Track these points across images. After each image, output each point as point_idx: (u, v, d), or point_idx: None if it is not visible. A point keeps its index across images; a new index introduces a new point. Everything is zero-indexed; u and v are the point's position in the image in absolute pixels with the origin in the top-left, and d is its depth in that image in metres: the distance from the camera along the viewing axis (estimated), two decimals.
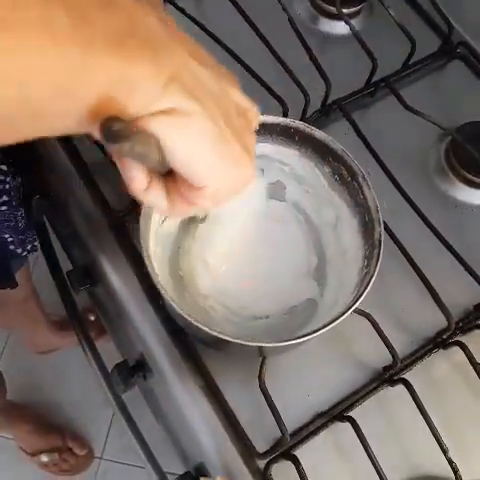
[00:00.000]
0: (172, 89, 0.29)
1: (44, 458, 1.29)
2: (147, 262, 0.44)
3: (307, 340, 0.44)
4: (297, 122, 0.51)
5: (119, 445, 1.41)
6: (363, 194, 0.50)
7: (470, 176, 0.64)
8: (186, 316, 0.43)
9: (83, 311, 1.12)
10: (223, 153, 0.33)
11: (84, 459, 1.36)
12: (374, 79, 0.68)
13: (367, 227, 0.50)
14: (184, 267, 0.55)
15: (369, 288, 0.46)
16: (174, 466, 0.63)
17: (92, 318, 1.33)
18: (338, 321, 0.45)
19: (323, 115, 0.67)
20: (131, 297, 0.55)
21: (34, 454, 1.29)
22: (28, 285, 1.11)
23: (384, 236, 0.57)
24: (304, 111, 0.65)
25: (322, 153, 0.52)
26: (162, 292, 0.43)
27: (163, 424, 0.64)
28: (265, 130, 0.52)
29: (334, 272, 0.55)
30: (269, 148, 0.54)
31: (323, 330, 0.44)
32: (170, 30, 0.31)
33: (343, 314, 0.45)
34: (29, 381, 1.40)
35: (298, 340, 0.44)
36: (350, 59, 0.70)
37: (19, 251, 0.75)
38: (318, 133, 0.51)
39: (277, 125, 0.52)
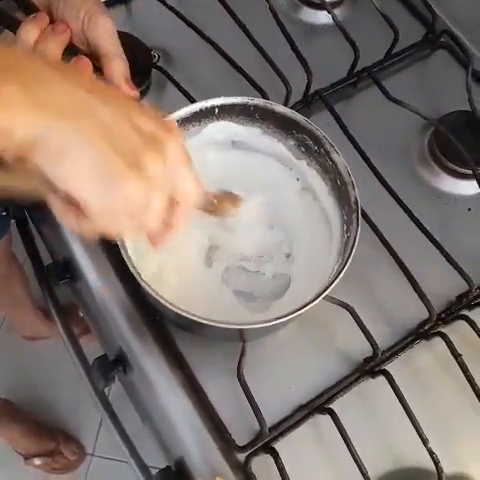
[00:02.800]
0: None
1: (37, 462, 1.30)
2: (122, 251, 0.44)
3: (287, 320, 0.43)
4: (256, 99, 0.51)
5: (110, 441, 1.40)
6: (332, 160, 0.51)
7: (453, 166, 0.63)
8: (160, 299, 0.43)
9: (72, 306, 1.11)
10: (97, 169, 0.33)
11: (75, 459, 1.36)
12: (356, 69, 0.67)
13: (341, 191, 0.50)
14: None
15: (353, 253, 0.46)
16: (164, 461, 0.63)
17: (81, 314, 1.32)
18: (331, 288, 0.45)
19: (305, 106, 0.66)
20: (109, 290, 0.54)
21: (27, 458, 1.30)
22: (7, 259, 1.09)
23: (366, 226, 0.57)
24: (286, 101, 0.64)
25: (285, 127, 0.53)
26: (136, 276, 0.43)
27: (145, 419, 0.63)
28: (224, 111, 0.52)
29: (308, 243, 0.55)
30: (229, 128, 0.53)
31: (311, 305, 0.44)
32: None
33: (334, 281, 0.45)
34: (21, 378, 1.39)
35: (276, 321, 0.44)
36: (333, 49, 0.69)
37: None
38: (278, 107, 0.51)
39: (236, 105, 0.52)
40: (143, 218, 0.36)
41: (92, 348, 0.67)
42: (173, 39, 0.69)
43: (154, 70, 0.66)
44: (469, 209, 0.63)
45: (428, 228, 0.58)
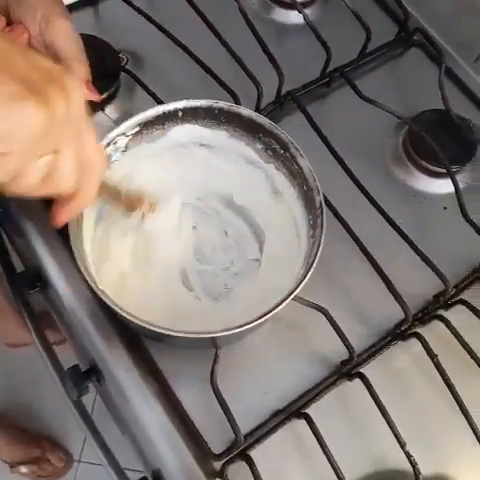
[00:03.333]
0: None
1: (23, 469, 1.29)
2: (81, 268, 0.43)
3: (255, 325, 0.43)
4: (220, 102, 0.51)
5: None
6: (297, 164, 0.50)
7: (428, 165, 0.63)
8: (125, 314, 0.42)
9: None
10: None
11: (62, 467, 1.35)
12: (329, 69, 0.67)
13: (307, 196, 0.50)
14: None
15: (318, 257, 0.45)
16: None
17: None
18: (296, 292, 0.44)
19: (277, 107, 0.66)
20: (78, 300, 0.53)
21: (13, 465, 1.28)
22: None
23: (341, 228, 0.56)
24: (258, 103, 0.63)
25: (252, 130, 0.52)
26: (100, 294, 0.42)
27: (123, 429, 0.62)
28: (189, 115, 0.51)
29: (280, 247, 0.54)
30: (194, 132, 0.53)
31: (279, 308, 0.43)
32: None
33: (299, 284, 0.44)
34: (4, 385, 1.38)
35: (243, 328, 0.43)
36: (305, 49, 0.69)
37: None
38: (243, 110, 0.51)
39: (200, 108, 0.51)
40: (53, 163, 0.33)
41: (71, 356, 0.66)
42: (142, 41, 0.68)
43: (123, 73, 0.65)
44: (445, 208, 0.63)
45: (403, 228, 0.57)
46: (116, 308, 0.42)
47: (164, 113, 0.50)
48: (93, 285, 0.43)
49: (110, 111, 0.64)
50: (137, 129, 0.50)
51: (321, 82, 0.67)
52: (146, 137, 0.52)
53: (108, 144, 0.49)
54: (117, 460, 0.59)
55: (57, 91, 0.31)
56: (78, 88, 0.33)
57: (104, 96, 0.63)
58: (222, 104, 0.51)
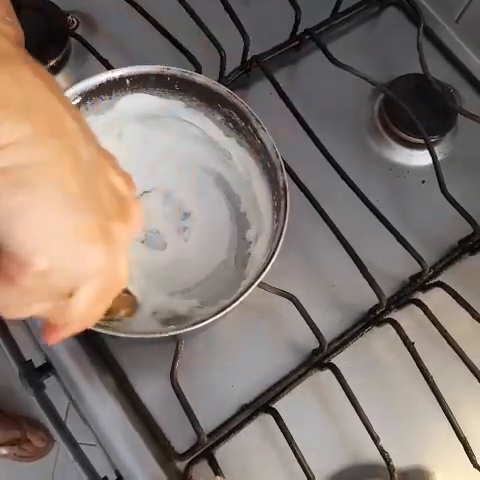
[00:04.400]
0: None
1: (3, 451, 1.28)
2: None
3: (214, 319, 0.39)
4: (172, 68, 0.45)
5: (77, 427, 1.37)
6: (259, 138, 0.45)
7: (405, 135, 0.59)
8: None
9: None
10: (67, 222, 0.25)
11: (44, 446, 1.34)
12: (298, 31, 0.61)
13: (270, 175, 0.45)
14: None
15: (280, 245, 0.41)
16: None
17: None
18: (259, 280, 0.40)
19: (243, 73, 0.60)
20: None
21: None
22: None
23: (309, 206, 0.52)
24: (221, 70, 0.58)
25: (209, 100, 0.47)
26: None
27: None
28: (138, 83, 0.46)
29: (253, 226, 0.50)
30: (146, 101, 0.47)
31: (237, 302, 0.39)
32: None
33: (262, 272, 0.40)
34: None
35: (205, 322, 0.39)
36: (272, 9, 0.63)
37: None
38: (198, 77, 0.46)
39: (149, 75, 0.45)
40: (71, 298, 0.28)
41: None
42: (94, 2, 0.62)
43: (72, 38, 0.59)
44: (423, 181, 0.59)
45: (378, 204, 0.53)
46: None
47: (108, 81, 0.45)
48: None
49: (59, 81, 0.59)
50: (78, 100, 0.45)
51: (290, 46, 0.62)
52: (92, 109, 0.46)
53: None
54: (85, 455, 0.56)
55: (125, 230, 0.28)
56: (140, 220, 0.30)
57: (52, 63, 0.57)
58: (174, 70, 0.45)
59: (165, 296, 0.48)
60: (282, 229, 0.41)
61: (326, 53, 0.59)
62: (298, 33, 0.61)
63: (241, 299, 0.40)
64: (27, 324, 0.50)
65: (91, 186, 0.26)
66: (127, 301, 0.42)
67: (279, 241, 0.41)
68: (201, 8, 0.57)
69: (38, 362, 0.51)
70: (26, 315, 0.27)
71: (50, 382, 0.52)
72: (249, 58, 0.59)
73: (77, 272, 0.26)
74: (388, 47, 0.65)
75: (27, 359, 0.52)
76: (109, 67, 0.55)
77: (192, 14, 0.57)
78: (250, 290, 0.40)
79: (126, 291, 0.43)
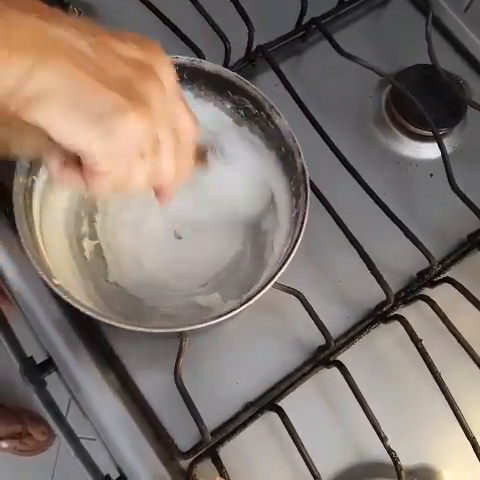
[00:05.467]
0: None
1: (4, 445, 1.28)
2: (27, 250, 0.37)
3: (228, 317, 0.39)
4: (181, 57, 0.44)
5: (79, 421, 1.37)
6: (274, 124, 0.45)
7: (413, 128, 0.57)
8: (79, 307, 0.37)
9: None
10: (90, 108, 0.28)
11: (45, 440, 1.33)
12: (304, 21, 0.60)
13: (287, 161, 0.45)
14: (90, 248, 0.48)
15: (303, 232, 0.41)
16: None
17: None
18: (276, 278, 0.40)
19: (248, 64, 0.59)
20: (28, 288, 0.48)
21: None
22: None
23: (315, 199, 0.51)
24: (226, 61, 0.57)
25: (219, 88, 0.46)
26: (50, 285, 0.37)
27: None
28: None
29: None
30: None
31: (256, 298, 0.39)
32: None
33: (280, 269, 0.40)
34: None
35: (215, 320, 0.39)
36: None
37: None
38: (207, 65, 0.45)
39: None
40: (155, 157, 0.32)
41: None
42: None
43: None
44: (431, 175, 0.58)
45: (386, 198, 0.52)
46: (72, 302, 0.37)
47: None
48: (47, 280, 0.38)
49: None
50: None
51: (296, 36, 0.61)
52: None
53: None
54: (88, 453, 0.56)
55: (152, 85, 0.30)
56: (170, 68, 0.32)
57: None
58: (183, 59, 0.44)
59: (185, 292, 0.47)
60: (304, 215, 0.41)
61: (333, 43, 0.58)
62: (304, 23, 0.60)
63: (257, 296, 0.39)
64: (29, 321, 0.49)
65: (103, 67, 0.29)
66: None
67: (301, 229, 0.40)
68: None
69: (39, 358, 0.51)
70: (136, 186, 0.32)
71: (51, 379, 0.51)
72: (254, 48, 0.58)
73: (124, 137, 0.29)
74: (395, 37, 0.64)
75: (28, 355, 0.51)
76: None
77: (195, 3, 0.56)
78: (267, 287, 0.40)
79: None
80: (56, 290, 0.37)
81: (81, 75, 0.28)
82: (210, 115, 0.48)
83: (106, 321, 0.38)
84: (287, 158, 0.45)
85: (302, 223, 0.41)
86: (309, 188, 0.43)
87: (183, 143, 0.34)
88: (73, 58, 0.28)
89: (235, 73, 0.45)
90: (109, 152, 0.29)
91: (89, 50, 0.29)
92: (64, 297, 0.38)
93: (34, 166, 0.41)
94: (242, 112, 0.47)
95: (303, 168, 0.43)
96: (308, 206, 0.42)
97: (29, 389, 0.52)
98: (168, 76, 0.32)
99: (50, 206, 0.44)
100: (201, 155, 0.46)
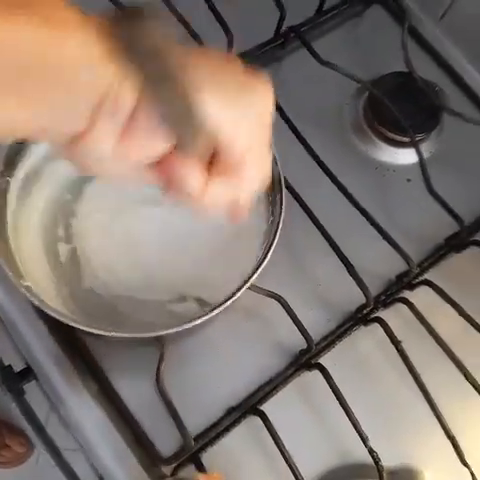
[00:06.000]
0: None
1: None
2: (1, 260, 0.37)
3: (203, 321, 0.39)
4: None
5: (59, 433, 1.35)
6: None
7: (390, 134, 0.58)
8: (54, 314, 0.37)
9: None
10: (222, 88, 0.27)
11: (23, 452, 1.31)
12: (283, 29, 0.61)
13: None
14: (65, 252, 0.48)
15: (276, 240, 0.41)
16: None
17: None
18: (250, 281, 0.40)
19: None
20: (6, 295, 0.47)
21: None
22: None
23: (294, 203, 0.52)
24: None
25: None
26: (18, 286, 0.37)
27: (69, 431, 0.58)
28: None
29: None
30: None
31: (232, 300, 0.39)
32: None
33: (255, 272, 0.40)
34: None
35: (190, 324, 0.39)
36: (257, 7, 0.62)
37: None
38: None
39: None
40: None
41: None
42: None
43: None
44: (408, 180, 0.59)
45: (364, 202, 0.53)
46: (40, 304, 0.37)
47: None
48: (15, 282, 0.38)
49: None
50: None
51: (275, 43, 0.61)
52: None
53: None
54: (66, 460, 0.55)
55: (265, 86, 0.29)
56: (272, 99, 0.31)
57: None
58: None
59: (159, 299, 0.47)
60: (278, 224, 0.41)
61: (311, 51, 0.59)
62: (282, 31, 0.61)
63: (231, 300, 0.40)
64: (6, 328, 0.49)
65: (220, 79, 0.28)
66: None
67: (275, 237, 0.40)
68: (184, 4, 0.56)
69: (18, 367, 0.50)
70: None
71: (30, 387, 0.51)
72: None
73: (263, 114, 0.29)
74: (373, 45, 0.65)
75: (6, 364, 0.50)
76: None
77: (174, 11, 0.56)
78: (239, 293, 0.40)
79: None
80: (23, 291, 0.37)
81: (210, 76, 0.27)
82: None
83: (75, 325, 0.37)
84: None
85: (276, 232, 0.42)
86: (285, 197, 0.43)
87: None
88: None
89: None
90: (243, 134, 0.28)
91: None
92: (32, 299, 0.37)
93: (8, 167, 0.41)
94: None
95: (280, 177, 0.43)
96: (282, 215, 0.42)
97: (7, 398, 0.51)
98: (270, 101, 0.31)
99: (26, 208, 0.44)
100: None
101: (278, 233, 0.42)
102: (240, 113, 0.28)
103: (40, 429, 0.53)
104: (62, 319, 0.37)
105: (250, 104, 0.28)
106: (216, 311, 0.39)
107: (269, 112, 0.30)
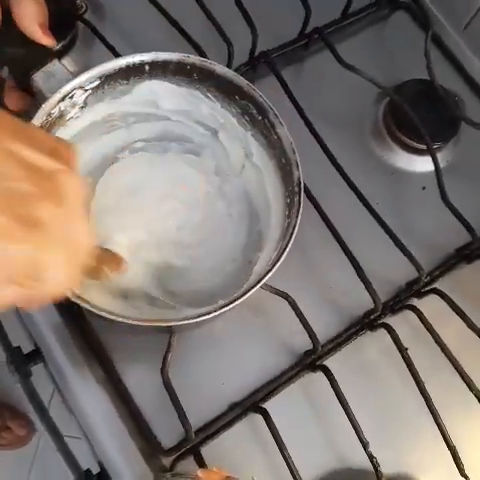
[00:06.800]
0: None
1: None
2: None
3: (216, 314, 0.39)
4: (192, 57, 0.45)
5: (60, 417, 1.36)
6: (276, 133, 0.45)
7: (408, 140, 0.58)
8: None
9: None
10: None
11: (24, 435, 1.32)
12: (308, 30, 0.61)
13: (285, 170, 0.45)
14: None
15: (291, 242, 0.41)
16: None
17: None
18: (264, 280, 0.41)
19: (250, 69, 0.60)
20: None
21: None
22: None
23: (309, 205, 0.52)
24: (229, 63, 0.57)
25: (227, 91, 0.47)
26: None
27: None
28: (157, 69, 0.46)
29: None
30: (164, 89, 0.47)
31: (245, 297, 0.40)
32: None
33: (269, 272, 0.41)
34: None
35: (206, 316, 0.39)
36: (283, 5, 0.62)
37: None
38: (218, 67, 0.45)
39: (169, 62, 0.45)
40: (33, 286, 0.29)
41: None
42: None
43: (81, 23, 0.58)
44: (423, 188, 0.59)
45: (379, 208, 0.53)
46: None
47: (128, 66, 0.45)
48: None
49: (67, 63, 0.58)
50: (97, 83, 0.45)
51: (298, 44, 0.61)
52: (109, 92, 0.46)
53: (63, 98, 0.43)
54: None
55: (50, 206, 0.28)
56: (77, 186, 0.30)
57: (58, 47, 0.56)
58: (194, 59, 0.45)
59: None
60: (294, 226, 0.41)
61: (334, 53, 0.59)
62: (307, 31, 0.61)
63: (242, 299, 0.40)
64: (18, 310, 0.49)
65: None
66: (109, 260, 0.41)
67: (291, 238, 0.41)
68: (211, 0, 0.56)
69: (26, 349, 0.51)
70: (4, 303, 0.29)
71: (34, 373, 0.51)
72: (257, 54, 0.59)
73: (15, 268, 0.27)
74: (396, 51, 0.65)
75: (15, 345, 0.51)
76: (116, 54, 0.55)
77: (202, 6, 0.56)
78: (255, 288, 0.40)
79: (106, 251, 0.42)
80: None
81: None
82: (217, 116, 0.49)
83: (95, 311, 0.38)
84: (285, 168, 0.45)
85: (291, 234, 0.42)
86: (303, 201, 0.43)
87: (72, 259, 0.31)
88: None
89: (245, 79, 0.46)
90: None
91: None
92: None
93: None
94: (247, 117, 0.48)
95: (299, 181, 0.44)
96: (299, 219, 0.43)
97: (14, 379, 0.52)
98: (73, 190, 0.29)
99: None
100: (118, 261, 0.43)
101: (293, 236, 0.42)
102: None
103: (43, 411, 0.54)
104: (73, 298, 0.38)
105: None
106: (227, 308, 0.40)
107: (77, 203, 0.30)
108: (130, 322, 0.38)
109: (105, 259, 0.40)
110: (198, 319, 0.39)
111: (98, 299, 0.40)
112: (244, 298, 0.40)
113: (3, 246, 0.26)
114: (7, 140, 0.27)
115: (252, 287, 0.41)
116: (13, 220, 0.26)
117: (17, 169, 0.27)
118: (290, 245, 0.41)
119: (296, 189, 0.43)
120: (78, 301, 0.37)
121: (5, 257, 0.27)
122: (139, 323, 0.38)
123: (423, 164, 0.59)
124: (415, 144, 0.58)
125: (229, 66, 0.58)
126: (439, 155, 0.57)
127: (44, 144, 0.29)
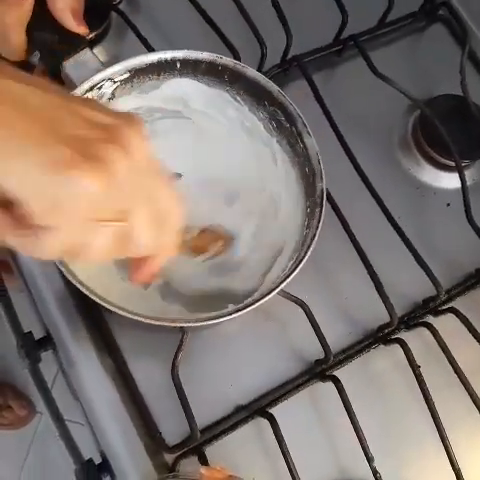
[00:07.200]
0: None
1: None
2: None
3: (230, 318, 0.40)
4: (225, 58, 0.45)
5: (62, 401, 1.37)
6: (303, 142, 0.45)
7: (436, 155, 0.58)
8: (79, 286, 0.38)
9: None
10: (36, 160, 0.25)
11: (25, 415, 1.33)
12: (343, 36, 0.60)
13: (308, 180, 0.45)
14: None
15: (309, 253, 0.41)
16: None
17: None
18: (280, 287, 0.41)
19: (282, 71, 0.59)
20: (37, 263, 0.48)
21: None
22: None
23: (331, 214, 0.51)
24: (260, 65, 0.57)
25: (256, 95, 0.46)
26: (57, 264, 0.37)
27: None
28: (188, 67, 0.46)
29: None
30: (193, 88, 0.47)
31: (260, 302, 0.40)
32: None
33: (285, 280, 0.41)
34: None
35: (220, 319, 0.39)
36: (320, 10, 0.62)
37: None
38: (250, 71, 0.45)
39: (201, 62, 0.45)
40: (122, 227, 0.28)
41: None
42: None
43: (114, 13, 0.58)
44: (448, 204, 0.58)
45: (401, 221, 0.52)
46: (70, 277, 0.37)
47: (159, 62, 0.45)
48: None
49: (98, 53, 0.58)
50: (126, 76, 0.45)
51: (332, 49, 0.61)
52: (137, 87, 0.46)
53: (91, 88, 0.43)
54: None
55: (115, 150, 0.27)
56: (142, 140, 0.29)
57: (90, 36, 0.56)
58: (227, 61, 0.45)
59: None
60: (313, 236, 0.41)
61: (368, 62, 0.58)
62: (342, 38, 0.60)
63: (261, 302, 0.40)
64: (32, 294, 0.50)
65: (59, 122, 0.26)
66: (215, 238, 0.41)
67: (308, 249, 0.40)
68: (248, 1, 0.56)
69: (37, 336, 0.51)
70: (94, 255, 0.29)
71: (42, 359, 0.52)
72: (289, 57, 0.58)
73: (68, 200, 0.26)
74: (430, 63, 0.64)
75: (27, 331, 0.51)
76: (148, 46, 0.54)
77: (238, 5, 0.56)
78: (270, 295, 0.40)
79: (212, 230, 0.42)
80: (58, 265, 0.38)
81: (24, 123, 0.25)
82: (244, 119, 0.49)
83: (108, 306, 0.38)
84: (309, 178, 0.45)
85: (309, 246, 0.41)
86: (324, 214, 0.43)
87: (167, 228, 0.31)
88: (21, 109, 0.26)
89: (276, 85, 0.45)
90: (53, 206, 0.26)
91: (47, 107, 0.27)
92: (61, 268, 0.37)
93: None
94: (274, 124, 0.47)
95: (322, 192, 0.43)
96: (319, 231, 0.42)
97: (24, 364, 0.52)
98: (139, 148, 0.29)
99: None
100: (226, 242, 0.44)
101: (311, 248, 0.41)
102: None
103: (48, 397, 0.54)
104: (86, 292, 0.38)
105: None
106: (241, 312, 0.40)
107: (146, 156, 0.29)
108: (141, 320, 0.38)
109: (210, 239, 0.39)
110: (209, 322, 0.39)
111: (106, 288, 0.40)
112: (259, 304, 0.40)
113: (74, 177, 0.25)
114: (77, 106, 0.28)
115: (269, 292, 0.40)
116: (79, 154, 0.26)
117: (82, 121, 0.27)
118: (307, 257, 0.41)
119: (318, 200, 0.43)
120: (90, 294, 0.37)
121: (84, 189, 0.26)
122: (151, 322, 0.38)
123: (449, 180, 0.58)
124: (443, 160, 0.58)
125: (261, 67, 0.57)
126: (467, 173, 0.56)
127: (107, 109, 0.30)
